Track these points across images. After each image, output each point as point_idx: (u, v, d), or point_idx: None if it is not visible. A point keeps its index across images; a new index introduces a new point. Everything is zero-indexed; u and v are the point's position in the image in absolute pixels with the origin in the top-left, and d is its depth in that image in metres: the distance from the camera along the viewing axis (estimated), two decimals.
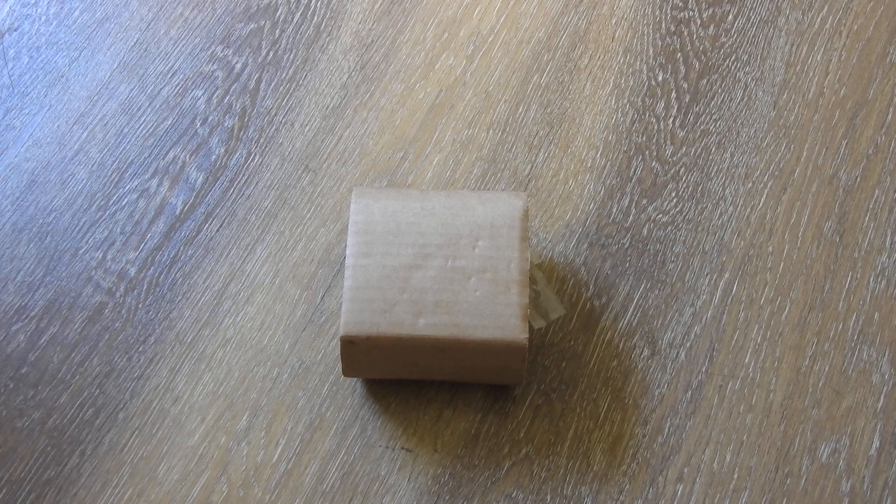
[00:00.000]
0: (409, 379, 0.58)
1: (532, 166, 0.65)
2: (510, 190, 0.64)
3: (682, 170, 0.65)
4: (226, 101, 0.68)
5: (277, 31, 0.70)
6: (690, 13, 0.71)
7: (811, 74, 0.68)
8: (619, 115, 0.67)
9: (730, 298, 0.61)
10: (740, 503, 0.55)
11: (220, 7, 0.71)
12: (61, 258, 0.62)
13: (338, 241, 0.63)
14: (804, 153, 0.66)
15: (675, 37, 0.70)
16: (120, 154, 0.66)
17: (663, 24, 0.70)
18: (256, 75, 0.68)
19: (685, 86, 0.68)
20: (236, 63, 0.69)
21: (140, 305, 0.61)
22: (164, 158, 0.66)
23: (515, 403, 0.58)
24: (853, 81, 0.68)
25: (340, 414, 0.58)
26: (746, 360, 0.59)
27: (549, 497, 0.56)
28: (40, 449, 0.57)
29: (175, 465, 0.57)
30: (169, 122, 0.67)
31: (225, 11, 0.71)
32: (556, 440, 0.57)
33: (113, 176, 0.65)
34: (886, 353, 0.59)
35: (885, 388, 0.58)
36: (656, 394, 0.58)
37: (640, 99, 0.67)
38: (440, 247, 0.54)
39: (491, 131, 0.66)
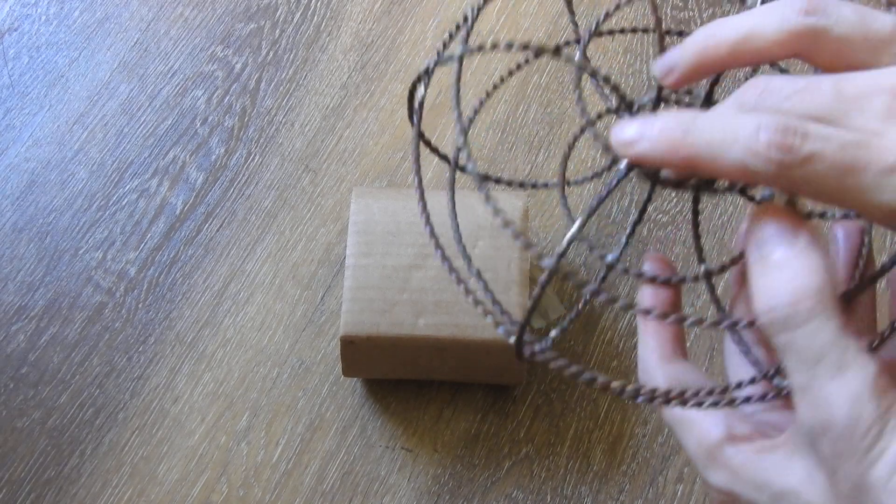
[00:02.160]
0: (409, 379, 0.58)
1: (532, 166, 0.65)
2: (510, 190, 0.64)
3: None
4: (226, 101, 0.68)
5: (277, 31, 0.70)
6: (690, 13, 0.70)
7: (811, 74, 0.68)
8: None
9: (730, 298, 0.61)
10: None
11: (220, 7, 0.71)
12: (61, 258, 0.62)
13: (338, 241, 0.63)
14: None
15: (676, 37, 0.69)
16: (120, 154, 0.66)
17: (663, 24, 0.70)
18: (256, 75, 0.68)
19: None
20: (236, 63, 0.69)
21: (140, 305, 0.61)
22: (164, 158, 0.65)
23: (515, 403, 0.58)
24: None
25: (340, 414, 0.58)
26: None
27: (549, 497, 0.56)
28: (40, 449, 0.57)
29: (175, 465, 0.57)
30: (169, 122, 0.67)
31: (225, 11, 0.71)
32: (556, 440, 0.57)
33: (113, 176, 0.65)
34: None
35: None
36: None
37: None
38: (442, 247, 0.54)
39: (491, 131, 0.66)
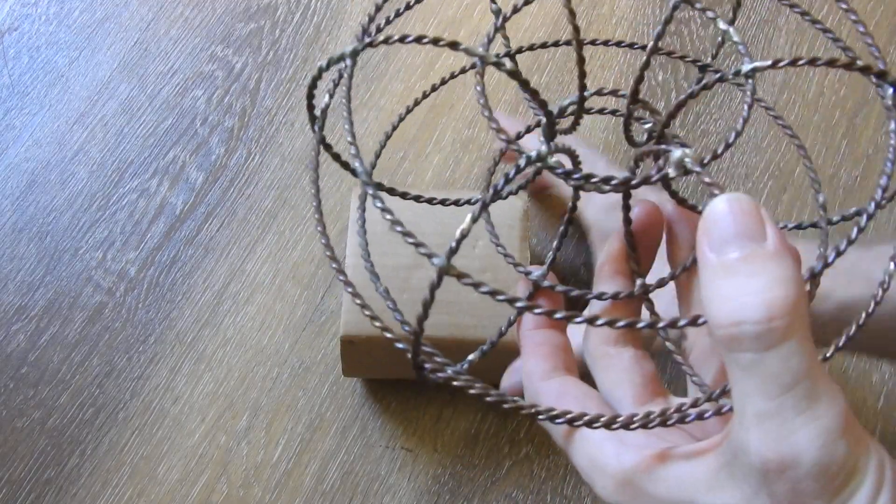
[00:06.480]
0: (409, 379, 0.58)
1: None
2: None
3: None
4: (226, 100, 0.67)
5: (277, 31, 0.70)
6: (690, 13, 0.70)
7: (811, 74, 0.68)
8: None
9: None
10: None
11: (220, 7, 0.71)
12: (61, 258, 0.62)
13: (338, 242, 0.63)
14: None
15: (675, 37, 0.69)
16: (120, 154, 0.66)
17: None
18: (256, 75, 0.68)
19: (685, 86, 0.68)
20: (236, 63, 0.69)
21: (140, 305, 0.61)
22: (164, 158, 0.65)
23: None
24: (853, 81, 0.68)
25: (340, 414, 0.58)
26: None
27: (549, 497, 0.56)
28: (40, 449, 0.57)
29: (175, 465, 0.57)
30: (169, 122, 0.67)
31: (225, 11, 0.71)
32: None
33: (113, 176, 0.65)
34: None
35: (884, 388, 0.58)
36: None
37: None
38: (440, 247, 0.54)
39: (491, 131, 0.66)
